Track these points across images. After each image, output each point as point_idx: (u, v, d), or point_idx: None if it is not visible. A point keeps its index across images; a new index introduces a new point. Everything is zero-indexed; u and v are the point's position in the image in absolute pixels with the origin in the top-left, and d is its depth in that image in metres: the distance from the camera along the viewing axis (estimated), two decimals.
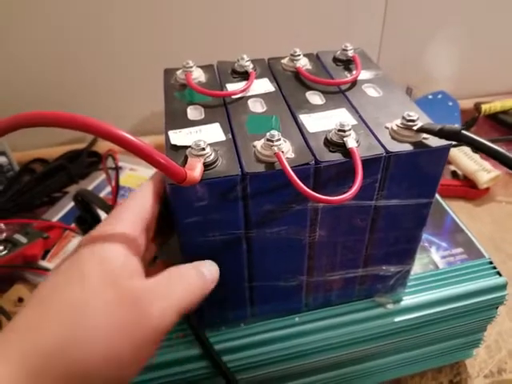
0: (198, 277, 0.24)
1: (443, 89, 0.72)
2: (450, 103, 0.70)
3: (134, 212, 0.24)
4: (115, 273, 0.21)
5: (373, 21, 0.67)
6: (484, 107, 0.67)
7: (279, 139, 0.24)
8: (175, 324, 0.22)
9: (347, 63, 0.34)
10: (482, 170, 0.58)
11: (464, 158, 0.60)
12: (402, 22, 0.68)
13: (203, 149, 0.23)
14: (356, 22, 0.67)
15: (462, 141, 0.23)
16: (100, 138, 0.19)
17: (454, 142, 0.25)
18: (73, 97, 0.64)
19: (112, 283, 0.20)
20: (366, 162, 0.24)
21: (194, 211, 0.24)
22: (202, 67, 0.33)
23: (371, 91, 0.31)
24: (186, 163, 0.23)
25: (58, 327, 0.19)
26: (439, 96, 0.71)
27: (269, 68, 0.34)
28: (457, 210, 0.42)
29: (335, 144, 0.25)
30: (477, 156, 0.60)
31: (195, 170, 0.22)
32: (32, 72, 0.62)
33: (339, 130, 0.25)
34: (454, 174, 0.62)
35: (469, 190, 0.59)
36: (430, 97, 0.71)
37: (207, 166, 0.23)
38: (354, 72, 0.32)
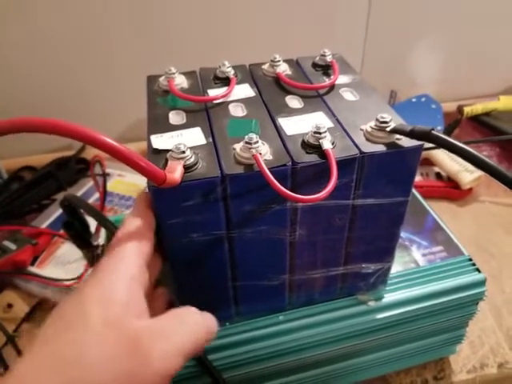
0: (203, 319, 0.24)
1: (427, 92, 0.74)
2: (434, 106, 0.72)
3: (134, 245, 0.23)
4: (117, 312, 0.20)
5: (356, 26, 0.69)
6: (466, 110, 0.69)
7: (257, 142, 0.25)
8: (181, 368, 0.21)
9: (326, 68, 0.35)
10: (465, 171, 0.59)
11: (447, 160, 0.61)
12: (385, 27, 0.70)
13: (183, 152, 0.24)
14: (340, 28, 0.68)
15: (432, 141, 0.24)
16: (83, 142, 0.19)
17: (425, 143, 0.26)
18: (61, 103, 0.65)
19: (113, 324, 0.20)
20: (341, 163, 0.25)
21: (175, 213, 0.25)
22: (184, 73, 0.34)
23: (348, 95, 0.32)
24: (166, 166, 0.24)
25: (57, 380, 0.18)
26: (423, 99, 0.73)
27: (250, 74, 0.35)
28: (441, 211, 0.43)
29: (312, 146, 0.26)
30: None
31: (175, 173, 0.23)
32: (20, 78, 0.62)
33: (315, 133, 0.25)
34: (439, 176, 0.63)
35: (452, 190, 0.61)
36: (414, 100, 0.73)
37: (188, 168, 0.24)
38: (332, 77, 0.33)
